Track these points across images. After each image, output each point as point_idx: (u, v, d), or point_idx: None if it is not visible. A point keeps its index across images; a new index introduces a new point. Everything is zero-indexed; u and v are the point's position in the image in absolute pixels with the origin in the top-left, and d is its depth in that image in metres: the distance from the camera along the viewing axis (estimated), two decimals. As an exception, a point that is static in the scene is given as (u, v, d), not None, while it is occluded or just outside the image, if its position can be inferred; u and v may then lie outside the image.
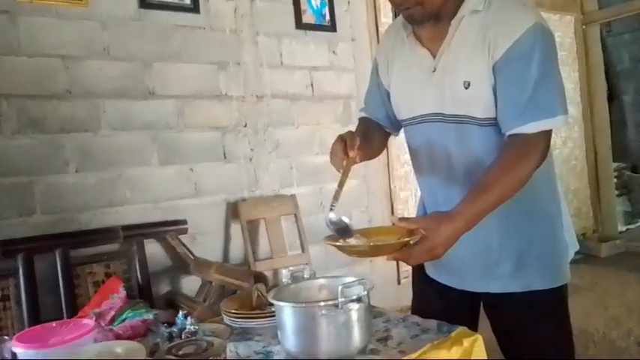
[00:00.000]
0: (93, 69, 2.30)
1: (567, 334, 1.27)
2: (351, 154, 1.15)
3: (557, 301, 1.25)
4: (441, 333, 1.08)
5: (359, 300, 0.97)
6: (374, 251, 1.10)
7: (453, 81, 1.17)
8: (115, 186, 2.35)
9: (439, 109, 1.22)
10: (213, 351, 0.93)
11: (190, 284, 2.45)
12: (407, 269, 3.40)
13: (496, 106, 1.14)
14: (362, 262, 3.08)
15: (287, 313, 1.00)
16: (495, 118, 1.16)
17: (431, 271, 1.38)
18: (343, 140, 1.17)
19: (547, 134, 1.13)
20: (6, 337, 1.00)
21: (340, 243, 1.10)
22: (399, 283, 3.37)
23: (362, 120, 1.45)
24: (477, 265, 1.26)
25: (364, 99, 1.48)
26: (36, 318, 2.05)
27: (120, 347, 0.94)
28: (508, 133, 1.13)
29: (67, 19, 2.24)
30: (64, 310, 2.10)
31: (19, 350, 0.98)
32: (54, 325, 1.10)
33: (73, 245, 2.19)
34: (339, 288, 0.94)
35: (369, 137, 1.32)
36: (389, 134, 1.45)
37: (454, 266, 1.28)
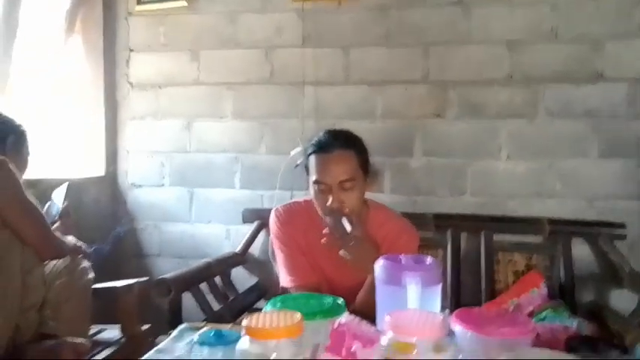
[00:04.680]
0: (537, 52, 2.21)
1: None
2: None
3: None
4: None
5: None
6: None
7: None
8: (544, 176, 2.23)
9: None
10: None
11: (621, 300, 2.08)
12: None
13: None
14: None
15: None
16: None
17: None
18: None
19: None
20: (446, 311, 1.03)
21: None
22: None
23: None
24: None
25: None
26: (456, 292, 2.17)
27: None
28: None
29: (515, 5, 2.22)
30: (482, 292, 2.15)
31: (457, 328, 0.99)
32: (490, 312, 1.08)
33: (498, 229, 2.22)
34: None
35: None
36: None
37: None
